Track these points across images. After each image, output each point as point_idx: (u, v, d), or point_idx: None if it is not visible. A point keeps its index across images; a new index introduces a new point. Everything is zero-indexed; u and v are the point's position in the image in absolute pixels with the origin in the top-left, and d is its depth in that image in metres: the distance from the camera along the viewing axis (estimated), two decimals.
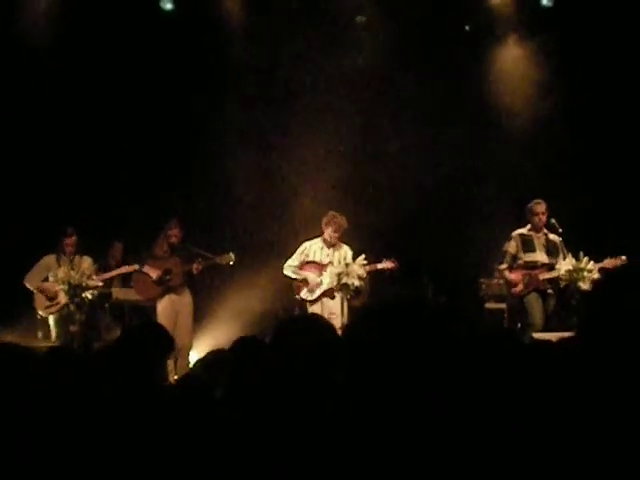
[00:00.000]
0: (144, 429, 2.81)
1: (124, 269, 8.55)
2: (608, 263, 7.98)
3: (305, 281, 8.38)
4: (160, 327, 4.02)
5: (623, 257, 7.92)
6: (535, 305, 8.20)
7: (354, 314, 8.26)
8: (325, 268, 8.26)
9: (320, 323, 2.55)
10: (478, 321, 9.14)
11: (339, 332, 8.05)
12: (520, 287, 8.27)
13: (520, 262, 8.33)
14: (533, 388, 2.36)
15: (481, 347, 2.54)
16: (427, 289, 9.21)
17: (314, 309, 8.27)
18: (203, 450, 2.45)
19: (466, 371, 2.25)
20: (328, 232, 8.34)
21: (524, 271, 8.28)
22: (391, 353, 2.01)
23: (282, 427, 2.21)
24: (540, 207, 8.23)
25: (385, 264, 8.30)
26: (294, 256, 8.46)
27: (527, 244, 8.34)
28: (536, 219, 8.26)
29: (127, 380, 3.34)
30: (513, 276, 8.33)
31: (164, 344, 3.78)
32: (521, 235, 8.37)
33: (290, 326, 2.42)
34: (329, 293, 8.29)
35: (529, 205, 8.32)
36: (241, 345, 3.84)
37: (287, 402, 2.29)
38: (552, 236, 8.34)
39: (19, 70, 9.32)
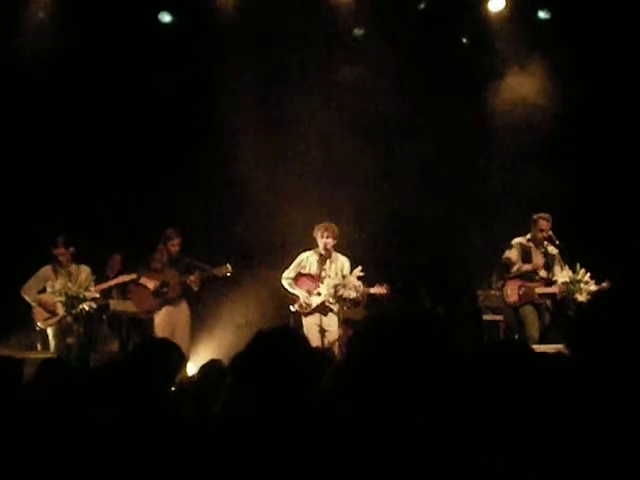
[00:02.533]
0: (146, 440, 2.80)
1: (121, 278, 8.55)
2: (607, 286, 7.99)
3: (297, 297, 8.35)
4: (173, 344, 3.92)
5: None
6: (531, 318, 8.19)
7: (357, 327, 8.24)
8: (322, 281, 8.23)
9: (296, 336, 2.54)
10: (477, 332, 9.14)
11: (336, 346, 7.96)
12: (514, 298, 8.26)
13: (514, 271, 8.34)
14: (538, 399, 2.36)
15: (487, 358, 2.54)
16: (424, 301, 9.20)
17: (309, 320, 8.23)
18: (200, 462, 2.45)
19: (470, 382, 2.25)
20: (320, 242, 8.29)
21: (520, 282, 8.29)
22: (395, 365, 2.01)
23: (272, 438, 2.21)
24: (545, 224, 8.23)
25: (377, 289, 8.30)
26: (291, 267, 8.42)
27: (525, 255, 8.34)
28: (539, 234, 8.27)
29: (133, 394, 3.33)
30: (508, 286, 8.33)
31: (177, 361, 3.73)
32: (521, 244, 8.38)
33: (265, 339, 2.42)
34: (322, 309, 8.27)
35: (535, 217, 8.31)
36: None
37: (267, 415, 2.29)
38: (550, 248, 8.34)
39: (19, 81, 9.35)
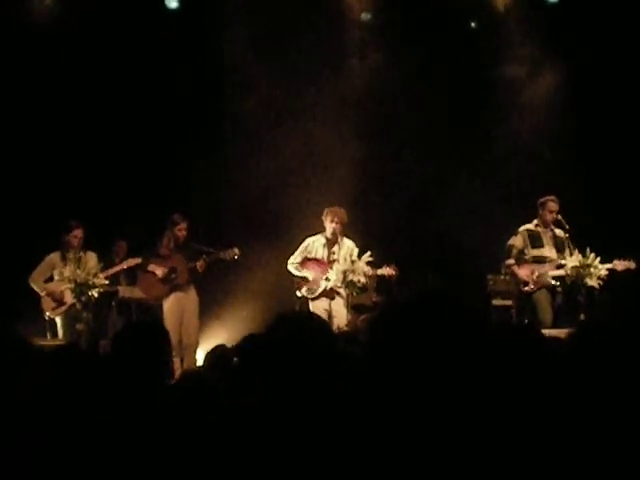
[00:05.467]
0: (146, 427, 2.80)
1: (126, 263, 8.53)
2: (617, 265, 7.97)
3: (305, 279, 8.36)
4: (155, 324, 3.91)
5: (632, 261, 7.94)
6: (544, 302, 8.16)
7: (377, 309, 8.27)
8: (330, 265, 8.23)
9: (317, 321, 2.52)
10: (486, 317, 9.12)
11: (345, 330, 7.95)
12: (530, 286, 8.21)
13: (527, 257, 8.30)
14: (548, 384, 2.35)
15: (497, 343, 2.53)
16: (431, 285, 9.19)
17: (317, 305, 8.24)
18: (206, 448, 2.43)
19: (485, 367, 2.24)
20: (329, 226, 8.29)
21: (532, 266, 8.25)
22: (417, 349, 2.00)
23: (284, 423, 2.19)
24: (555, 205, 8.22)
25: (385, 270, 8.26)
26: (297, 252, 8.44)
27: (535, 240, 8.31)
28: (548, 216, 8.24)
29: (129, 380, 3.31)
30: (522, 272, 8.28)
31: (160, 341, 3.69)
32: (528, 230, 8.34)
33: (286, 322, 2.39)
34: (329, 293, 8.27)
35: (542, 200, 8.29)
36: (246, 343, 3.83)
37: (286, 398, 2.26)
38: (558, 231, 8.32)
39: (23, 67, 9.33)
